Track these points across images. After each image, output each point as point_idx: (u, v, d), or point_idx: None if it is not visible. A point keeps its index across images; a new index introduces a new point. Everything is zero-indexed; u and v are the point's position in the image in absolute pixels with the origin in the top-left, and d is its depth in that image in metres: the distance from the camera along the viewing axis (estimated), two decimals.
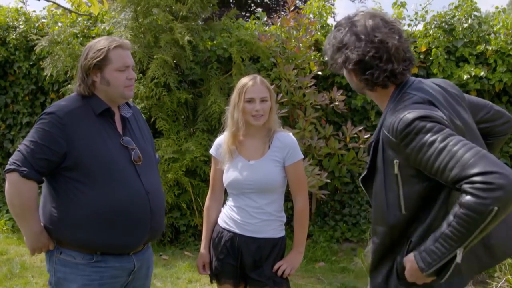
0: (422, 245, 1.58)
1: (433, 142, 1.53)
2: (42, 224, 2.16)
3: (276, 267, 2.51)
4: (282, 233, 2.58)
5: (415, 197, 1.63)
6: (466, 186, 1.43)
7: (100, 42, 2.19)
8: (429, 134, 1.54)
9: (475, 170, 1.42)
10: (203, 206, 2.71)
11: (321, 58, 5.48)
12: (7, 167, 2.08)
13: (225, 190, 2.66)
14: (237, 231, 2.52)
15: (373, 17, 1.76)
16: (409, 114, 1.59)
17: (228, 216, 2.57)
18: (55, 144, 2.07)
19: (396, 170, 1.64)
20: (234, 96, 2.54)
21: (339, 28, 1.80)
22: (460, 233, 1.46)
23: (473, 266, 1.67)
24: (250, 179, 2.48)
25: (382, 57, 1.70)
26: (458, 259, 1.49)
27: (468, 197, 1.42)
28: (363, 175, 1.82)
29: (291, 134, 2.60)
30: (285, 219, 2.61)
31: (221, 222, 2.60)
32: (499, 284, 4.30)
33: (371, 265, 1.84)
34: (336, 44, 1.78)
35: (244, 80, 2.54)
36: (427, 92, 1.73)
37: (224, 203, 2.67)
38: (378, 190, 1.73)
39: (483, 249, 1.69)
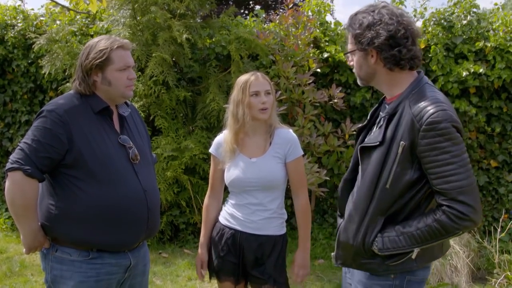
0: (385, 232, 1.83)
1: (448, 152, 1.73)
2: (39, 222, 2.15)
3: (294, 278, 2.57)
4: (283, 231, 2.57)
5: (402, 180, 1.80)
6: (445, 208, 1.73)
7: (101, 42, 2.18)
8: (448, 143, 1.73)
9: (461, 198, 1.72)
10: (203, 204, 2.71)
11: (320, 55, 5.48)
12: (9, 165, 2.05)
13: (225, 188, 2.65)
14: (238, 228, 2.52)
15: (396, 7, 1.91)
16: (443, 112, 1.73)
17: (229, 214, 2.56)
18: (57, 142, 2.07)
19: (399, 150, 1.79)
20: (235, 93, 2.52)
21: (367, 11, 1.89)
22: (425, 238, 1.78)
23: (426, 257, 1.89)
24: (253, 177, 2.47)
25: (408, 38, 1.84)
26: (413, 255, 1.81)
27: (444, 218, 1.74)
28: (369, 144, 1.88)
29: (291, 130, 2.59)
30: (286, 217, 2.60)
31: (222, 219, 2.60)
32: (498, 281, 4.31)
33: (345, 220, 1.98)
34: (366, 22, 1.85)
35: (245, 76, 2.53)
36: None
37: (225, 200, 2.67)
38: (377, 160, 1.85)
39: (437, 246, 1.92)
